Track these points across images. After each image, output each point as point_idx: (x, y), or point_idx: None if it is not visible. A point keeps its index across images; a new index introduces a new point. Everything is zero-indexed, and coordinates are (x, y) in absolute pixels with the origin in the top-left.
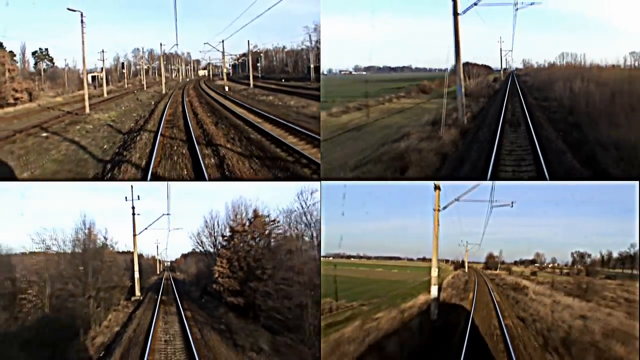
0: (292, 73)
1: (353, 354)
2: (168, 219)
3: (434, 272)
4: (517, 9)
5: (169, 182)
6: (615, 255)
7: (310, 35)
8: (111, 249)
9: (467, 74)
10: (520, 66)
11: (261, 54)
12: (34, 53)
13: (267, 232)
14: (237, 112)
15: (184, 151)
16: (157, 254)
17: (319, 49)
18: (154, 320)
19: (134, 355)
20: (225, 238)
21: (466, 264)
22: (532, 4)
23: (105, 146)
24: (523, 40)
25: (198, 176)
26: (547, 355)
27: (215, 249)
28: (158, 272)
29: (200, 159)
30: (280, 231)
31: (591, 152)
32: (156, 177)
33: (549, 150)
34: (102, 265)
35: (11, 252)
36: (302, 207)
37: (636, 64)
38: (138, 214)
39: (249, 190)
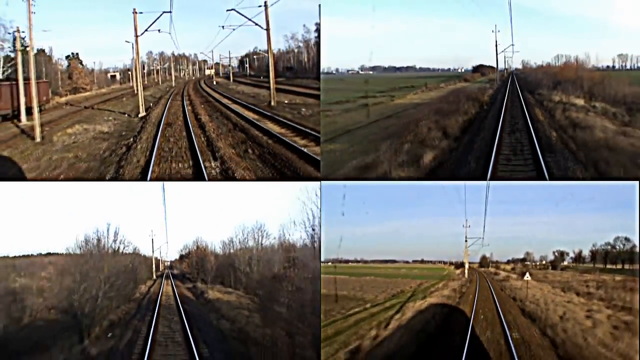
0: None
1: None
2: (167, 246)
3: (466, 265)
4: (513, 53)
5: (165, 183)
6: (585, 253)
7: (289, 42)
8: (143, 256)
9: (481, 73)
10: (520, 66)
11: (254, 56)
12: (67, 57)
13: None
14: (207, 91)
15: (179, 99)
16: (160, 256)
17: (293, 52)
18: (162, 283)
19: (156, 290)
20: (185, 254)
21: (467, 264)
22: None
23: (153, 100)
24: (523, 43)
25: (183, 107)
26: (495, 282)
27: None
28: (161, 269)
29: (184, 100)
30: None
31: (528, 87)
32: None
33: (521, 88)
34: (143, 263)
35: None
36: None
37: (624, 64)
38: (152, 235)
39: (247, 189)
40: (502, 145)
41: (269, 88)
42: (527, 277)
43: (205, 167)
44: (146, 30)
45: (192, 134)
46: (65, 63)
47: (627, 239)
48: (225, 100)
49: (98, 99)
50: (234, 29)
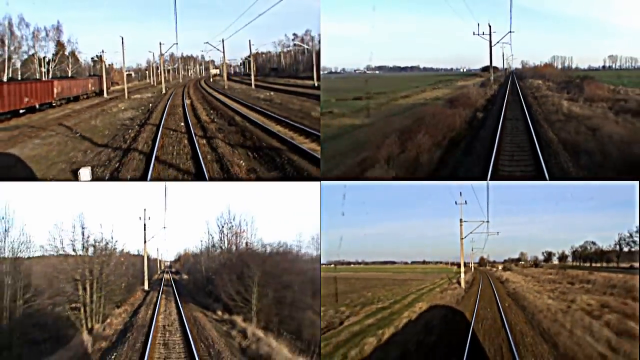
0: (263, 72)
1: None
2: (167, 252)
3: (470, 266)
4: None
5: (167, 183)
6: (567, 252)
7: (276, 47)
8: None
9: (488, 71)
10: (520, 66)
11: (249, 59)
12: (92, 58)
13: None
14: (202, 84)
15: (181, 88)
16: (161, 258)
17: (276, 56)
18: (163, 274)
19: (160, 277)
20: (179, 257)
21: (472, 265)
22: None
23: (168, 86)
24: (523, 46)
25: (183, 91)
26: (489, 273)
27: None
28: (162, 268)
29: (185, 90)
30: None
31: (520, 77)
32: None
33: (517, 78)
34: (154, 263)
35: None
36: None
37: (613, 65)
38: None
39: (247, 190)
40: (509, 90)
41: (244, 83)
42: (500, 267)
43: (184, 99)
44: (165, 52)
45: (184, 96)
46: (88, 62)
47: (593, 243)
48: (207, 88)
49: (129, 89)
50: (212, 46)
